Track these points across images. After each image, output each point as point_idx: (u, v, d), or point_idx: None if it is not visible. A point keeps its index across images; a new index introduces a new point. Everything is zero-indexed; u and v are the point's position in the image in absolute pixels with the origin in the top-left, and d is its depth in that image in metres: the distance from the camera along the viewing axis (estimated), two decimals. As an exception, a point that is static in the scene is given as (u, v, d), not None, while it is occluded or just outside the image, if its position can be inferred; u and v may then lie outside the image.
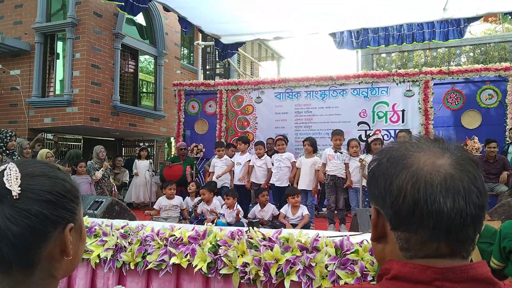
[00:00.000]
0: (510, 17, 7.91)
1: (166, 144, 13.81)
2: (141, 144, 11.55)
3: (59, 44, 9.98)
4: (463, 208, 0.66)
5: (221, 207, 5.77)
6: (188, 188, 6.62)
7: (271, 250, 2.58)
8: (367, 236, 2.59)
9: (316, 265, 2.46)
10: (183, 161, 8.24)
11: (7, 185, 0.69)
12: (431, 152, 0.71)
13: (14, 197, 0.68)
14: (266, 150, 7.12)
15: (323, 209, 7.43)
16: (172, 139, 13.28)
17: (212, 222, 5.23)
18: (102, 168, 7.29)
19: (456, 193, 0.66)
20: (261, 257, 2.58)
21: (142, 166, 8.78)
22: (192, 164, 8.21)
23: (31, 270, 0.71)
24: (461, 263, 0.67)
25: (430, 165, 0.68)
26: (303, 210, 5.47)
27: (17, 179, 0.70)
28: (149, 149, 10.60)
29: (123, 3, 6.68)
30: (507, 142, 6.89)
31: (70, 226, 0.74)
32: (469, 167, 0.69)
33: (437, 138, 0.75)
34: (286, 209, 5.55)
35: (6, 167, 0.72)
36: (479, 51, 12.03)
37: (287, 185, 6.28)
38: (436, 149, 0.71)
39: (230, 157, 7.13)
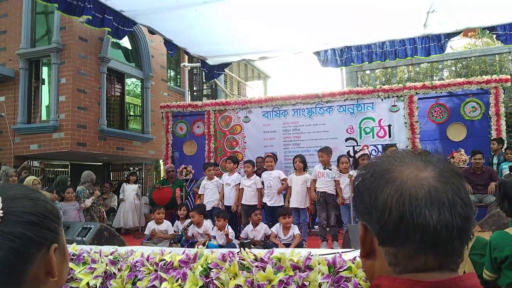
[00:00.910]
0: (488, 31, 8.12)
1: (154, 167, 13.70)
2: (130, 168, 11.45)
3: (44, 70, 9.95)
4: (448, 220, 0.66)
5: (212, 229, 5.70)
6: (179, 212, 6.54)
7: (264, 270, 2.55)
8: (359, 253, 2.57)
9: (309, 284, 2.42)
10: (173, 183, 8.18)
11: None
12: (414, 165, 0.71)
13: None
14: (255, 169, 7.11)
15: (315, 226, 7.40)
16: (160, 161, 13.19)
17: (203, 244, 5.16)
18: (92, 197, 7.18)
19: (441, 206, 0.66)
20: (253, 279, 2.54)
21: (130, 190, 8.68)
22: (181, 186, 8.14)
23: None
24: (450, 276, 0.66)
25: (414, 179, 0.69)
26: (294, 230, 5.44)
27: None
28: (138, 173, 10.50)
29: (109, 29, 6.72)
30: (492, 154, 7.00)
31: (54, 247, 0.74)
32: (452, 178, 0.69)
33: (420, 151, 0.75)
34: (277, 229, 5.51)
35: None
36: (460, 65, 12.31)
37: (280, 204, 6.25)
38: (419, 162, 0.72)
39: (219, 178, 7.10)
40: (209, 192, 6.85)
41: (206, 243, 5.15)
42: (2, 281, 0.67)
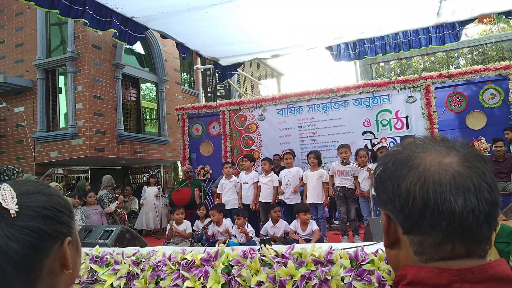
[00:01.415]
0: (504, 16, 7.94)
1: (173, 168, 13.83)
2: (150, 170, 11.58)
3: (61, 79, 10.13)
4: (475, 205, 0.63)
5: (232, 227, 5.73)
6: (198, 211, 6.59)
7: (285, 266, 2.54)
8: (382, 245, 2.55)
9: (332, 278, 2.41)
10: (191, 184, 8.24)
11: (3, 205, 0.70)
12: (437, 151, 0.69)
13: (12, 215, 0.69)
14: (272, 166, 7.11)
15: (335, 221, 7.36)
16: (178, 163, 13.31)
17: (224, 242, 5.18)
18: (117, 202, 7.28)
19: (467, 191, 0.64)
20: (275, 275, 2.54)
21: (150, 192, 8.80)
22: (200, 186, 8.19)
23: (34, 286, 0.71)
24: (479, 263, 0.64)
25: (437, 165, 0.67)
26: (313, 226, 5.42)
27: (12, 198, 0.71)
28: (157, 175, 10.63)
29: (125, 43, 6.85)
30: (509, 143, 6.83)
31: (68, 240, 0.76)
32: (477, 163, 0.67)
33: (442, 137, 0.73)
34: (295, 225, 5.50)
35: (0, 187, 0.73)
36: (477, 52, 12.06)
37: (297, 202, 6.23)
38: (442, 148, 0.70)
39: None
40: (228, 191, 6.88)
41: (227, 242, 5.18)
42: (20, 274, 0.68)
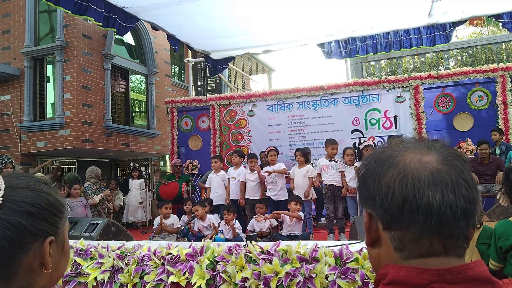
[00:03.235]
0: (494, 19, 8.02)
1: (161, 162, 13.75)
2: (131, 164, 11.48)
3: (49, 68, 9.97)
4: (452, 201, 0.66)
5: (218, 223, 5.72)
6: (184, 206, 6.56)
7: (270, 263, 2.55)
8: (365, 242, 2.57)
9: (316, 276, 2.43)
10: (179, 178, 8.20)
11: None
12: (417, 150, 0.72)
13: None
14: (261, 163, 7.10)
15: (321, 219, 7.39)
16: (167, 157, 13.23)
17: (210, 238, 5.18)
18: (101, 194, 7.21)
19: (445, 187, 0.66)
20: (260, 271, 2.55)
21: (134, 185, 8.74)
22: (187, 181, 8.16)
23: (9, 280, 0.71)
24: (458, 264, 0.66)
25: (417, 162, 0.69)
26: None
27: (0, 190, 0.71)
28: (141, 168, 10.52)
29: (115, 29, 6.76)
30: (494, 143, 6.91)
31: (49, 239, 0.75)
32: (455, 161, 0.70)
33: (422, 138, 0.76)
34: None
35: None
36: (466, 54, 12.20)
37: (284, 198, 6.23)
38: (422, 147, 0.72)
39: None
40: (216, 185, 6.86)
41: (213, 237, 5.17)
42: None
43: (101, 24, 6.41)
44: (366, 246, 0.78)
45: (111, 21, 6.63)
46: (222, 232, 5.49)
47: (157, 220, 6.18)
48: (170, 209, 6.18)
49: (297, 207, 5.46)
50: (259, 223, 5.62)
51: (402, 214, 0.67)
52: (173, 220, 6.11)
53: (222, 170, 7.12)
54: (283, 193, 6.34)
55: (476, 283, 0.64)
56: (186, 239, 5.69)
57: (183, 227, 5.89)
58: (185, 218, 6.38)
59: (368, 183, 0.73)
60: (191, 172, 8.74)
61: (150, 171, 12.42)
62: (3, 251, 0.69)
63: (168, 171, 12.62)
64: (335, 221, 5.98)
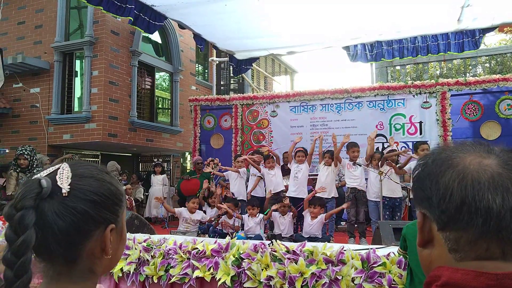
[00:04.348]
0: (526, 26, 7.83)
1: (181, 159, 13.90)
2: (154, 160, 11.65)
3: (78, 62, 10.21)
4: None
5: (241, 218, 5.84)
6: (209, 200, 6.71)
7: (296, 263, 2.56)
8: (393, 249, 2.55)
9: (342, 278, 2.42)
10: (200, 175, 8.27)
11: (58, 183, 0.74)
12: (477, 153, 0.71)
13: (63, 195, 0.73)
14: (282, 163, 7.13)
15: (342, 223, 7.34)
16: (187, 154, 13.36)
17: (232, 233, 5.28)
18: (124, 187, 7.33)
19: (505, 191, 0.64)
20: (285, 270, 2.56)
21: (156, 180, 8.87)
22: (209, 178, 8.22)
23: (73, 264, 0.76)
24: None
25: (477, 164, 0.68)
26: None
27: (68, 178, 0.75)
28: (164, 164, 10.67)
29: (141, 30, 6.90)
30: None
31: (111, 227, 0.79)
32: None
33: (482, 142, 0.74)
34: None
35: (60, 166, 0.77)
36: (495, 61, 11.92)
37: (303, 196, 6.22)
38: (482, 151, 0.71)
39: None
40: (235, 180, 6.99)
41: (234, 235, 5.21)
42: (61, 250, 0.73)
43: (131, 18, 6.53)
44: (418, 247, 0.76)
45: (140, 19, 6.75)
46: (243, 230, 5.56)
47: (181, 210, 6.11)
48: (197, 204, 6.22)
49: (316, 210, 5.44)
50: (281, 223, 5.66)
51: (460, 215, 0.65)
52: (199, 216, 6.13)
53: (244, 168, 7.20)
54: (303, 190, 6.33)
55: None
56: (207, 235, 5.75)
57: (212, 220, 5.95)
58: (208, 210, 6.45)
59: (425, 183, 0.72)
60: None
61: (171, 167, 12.56)
62: (69, 236, 0.73)
63: (188, 167, 12.74)
64: (356, 225, 5.94)
